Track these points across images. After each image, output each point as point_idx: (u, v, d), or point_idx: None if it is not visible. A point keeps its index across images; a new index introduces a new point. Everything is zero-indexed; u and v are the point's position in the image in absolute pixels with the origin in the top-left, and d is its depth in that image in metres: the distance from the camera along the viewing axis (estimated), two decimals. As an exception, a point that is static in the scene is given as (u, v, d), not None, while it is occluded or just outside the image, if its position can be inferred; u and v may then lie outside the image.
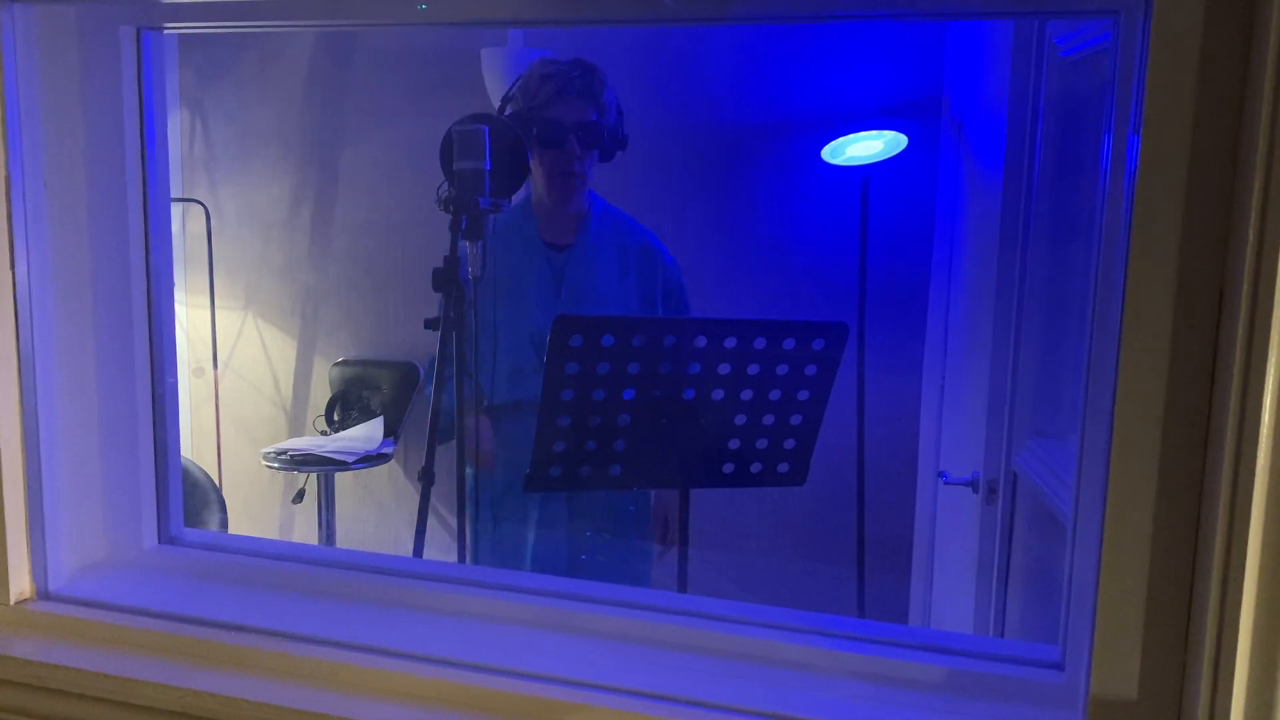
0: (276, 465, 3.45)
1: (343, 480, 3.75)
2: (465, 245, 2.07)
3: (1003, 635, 2.12)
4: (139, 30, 1.30)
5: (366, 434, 3.58)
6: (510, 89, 2.27)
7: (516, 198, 2.26)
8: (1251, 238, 0.81)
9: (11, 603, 1.27)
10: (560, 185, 2.26)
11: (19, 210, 1.22)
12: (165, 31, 1.32)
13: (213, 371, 3.89)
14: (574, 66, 2.23)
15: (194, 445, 3.92)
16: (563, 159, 2.23)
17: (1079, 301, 1.84)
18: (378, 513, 3.87)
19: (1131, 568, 0.94)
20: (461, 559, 2.26)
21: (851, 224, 3.12)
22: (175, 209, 3.77)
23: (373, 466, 3.56)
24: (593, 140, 2.22)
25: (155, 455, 1.40)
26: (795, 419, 2.05)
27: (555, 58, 2.27)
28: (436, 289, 2.11)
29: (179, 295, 3.76)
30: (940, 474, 2.71)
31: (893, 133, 2.97)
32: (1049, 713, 1.06)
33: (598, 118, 2.21)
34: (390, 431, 3.61)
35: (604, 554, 2.39)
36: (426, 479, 2.20)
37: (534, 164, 2.25)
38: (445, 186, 2.10)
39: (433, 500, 2.30)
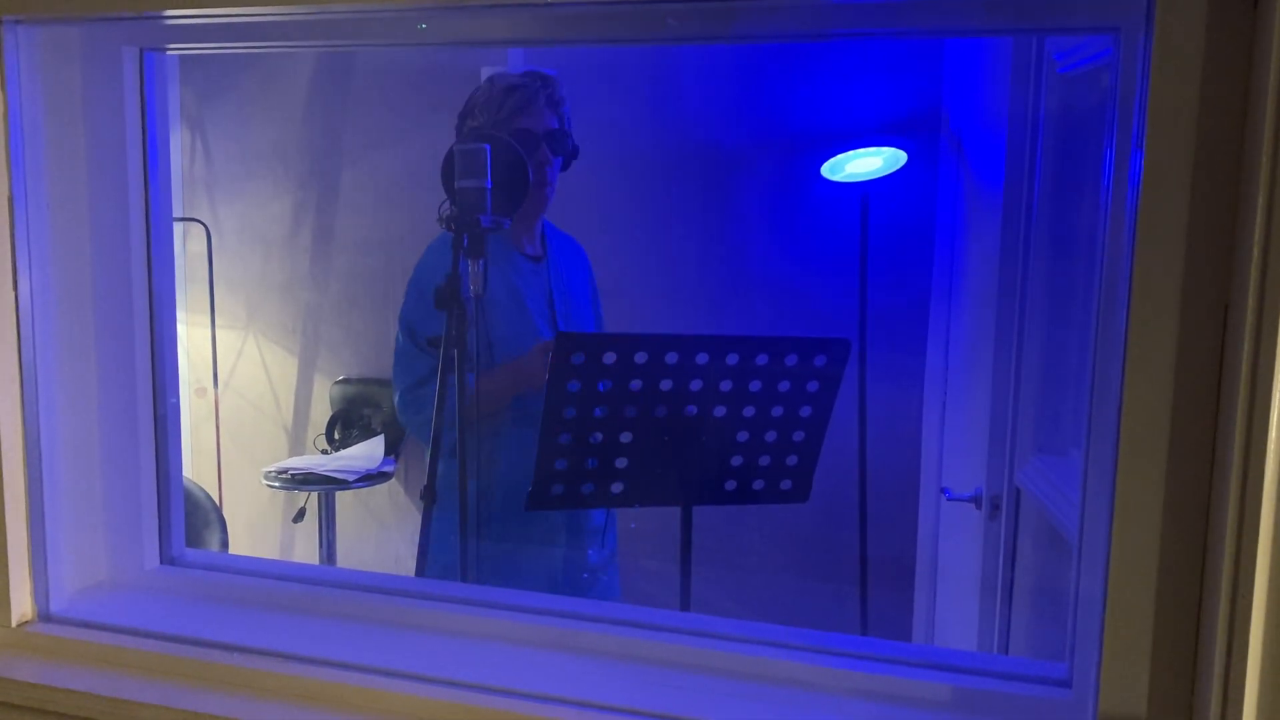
0: (277, 484, 3.44)
1: (343, 499, 3.75)
2: (467, 263, 2.07)
3: (1007, 652, 2.11)
4: (142, 51, 1.30)
5: (367, 452, 3.57)
6: (468, 107, 2.27)
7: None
8: (1256, 252, 0.81)
9: (13, 625, 1.26)
10: (538, 195, 2.26)
11: (21, 230, 1.22)
12: (168, 52, 1.33)
13: (213, 390, 3.88)
14: (533, 78, 2.24)
15: (194, 464, 3.92)
16: (538, 169, 2.24)
17: (1081, 316, 1.84)
18: (379, 532, 3.86)
19: (1139, 584, 0.93)
20: (464, 578, 2.25)
21: (852, 240, 3.12)
22: (176, 228, 3.77)
23: (373, 485, 3.55)
24: (560, 148, 2.23)
25: (157, 476, 1.39)
26: (798, 435, 2.05)
27: (507, 72, 2.28)
28: (438, 307, 2.11)
29: (179, 314, 3.76)
30: (943, 490, 2.70)
31: (892, 149, 2.98)
32: (1057, 731, 1.06)
33: (559, 126, 2.23)
34: (391, 450, 3.61)
35: (606, 572, 2.39)
36: (428, 498, 2.20)
37: None
38: (447, 204, 2.11)
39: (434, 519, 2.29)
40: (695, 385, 2.00)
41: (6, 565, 1.25)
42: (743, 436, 2.04)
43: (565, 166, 2.30)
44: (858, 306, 3.07)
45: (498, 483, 2.25)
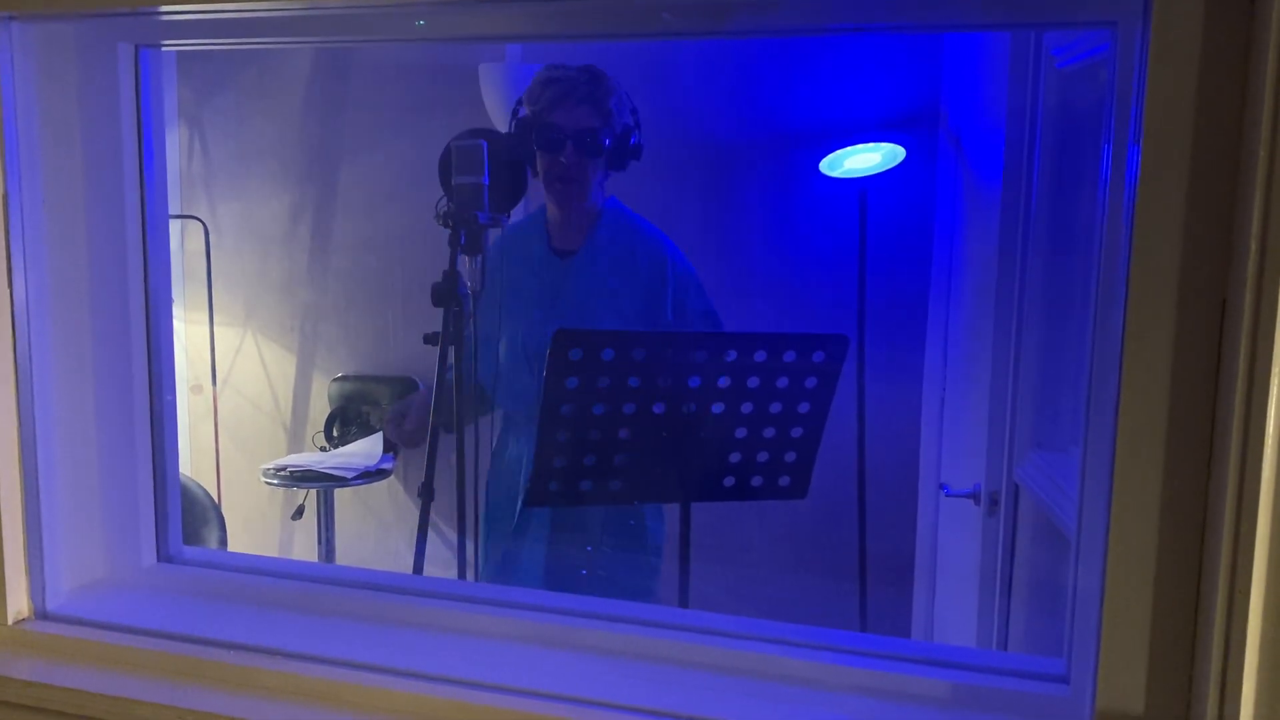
0: (276, 482, 3.44)
1: (342, 496, 3.74)
2: (464, 260, 2.07)
3: (1006, 648, 2.11)
4: (137, 48, 1.30)
5: (366, 450, 3.57)
6: (523, 95, 2.27)
7: (533, 205, 2.28)
8: (1253, 247, 0.80)
9: (10, 623, 1.26)
10: (557, 190, 2.25)
11: (17, 228, 1.22)
12: (163, 49, 1.32)
13: (211, 388, 3.88)
14: (580, 72, 2.22)
15: (193, 462, 3.92)
16: (558, 164, 2.21)
17: (1079, 312, 1.84)
18: (377, 529, 3.86)
19: (1136, 580, 0.93)
20: (462, 575, 2.25)
21: (850, 236, 3.12)
22: (174, 226, 3.77)
23: (372, 482, 3.55)
24: (591, 147, 2.19)
25: (154, 473, 1.39)
26: (796, 432, 2.05)
27: (564, 64, 2.26)
28: (436, 304, 2.11)
29: (178, 312, 3.76)
30: (942, 486, 2.70)
31: (890, 145, 2.98)
32: (1055, 727, 1.06)
33: (599, 124, 2.20)
34: (389, 447, 3.60)
35: (605, 569, 2.38)
36: (426, 495, 2.20)
37: (539, 168, 2.25)
38: (444, 201, 2.11)
39: (432, 516, 2.29)
40: (693, 382, 1.99)
41: (3, 563, 1.24)
42: (741, 433, 2.03)
43: (616, 166, 2.27)
44: (856, 302, 3.07)
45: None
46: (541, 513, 2.30)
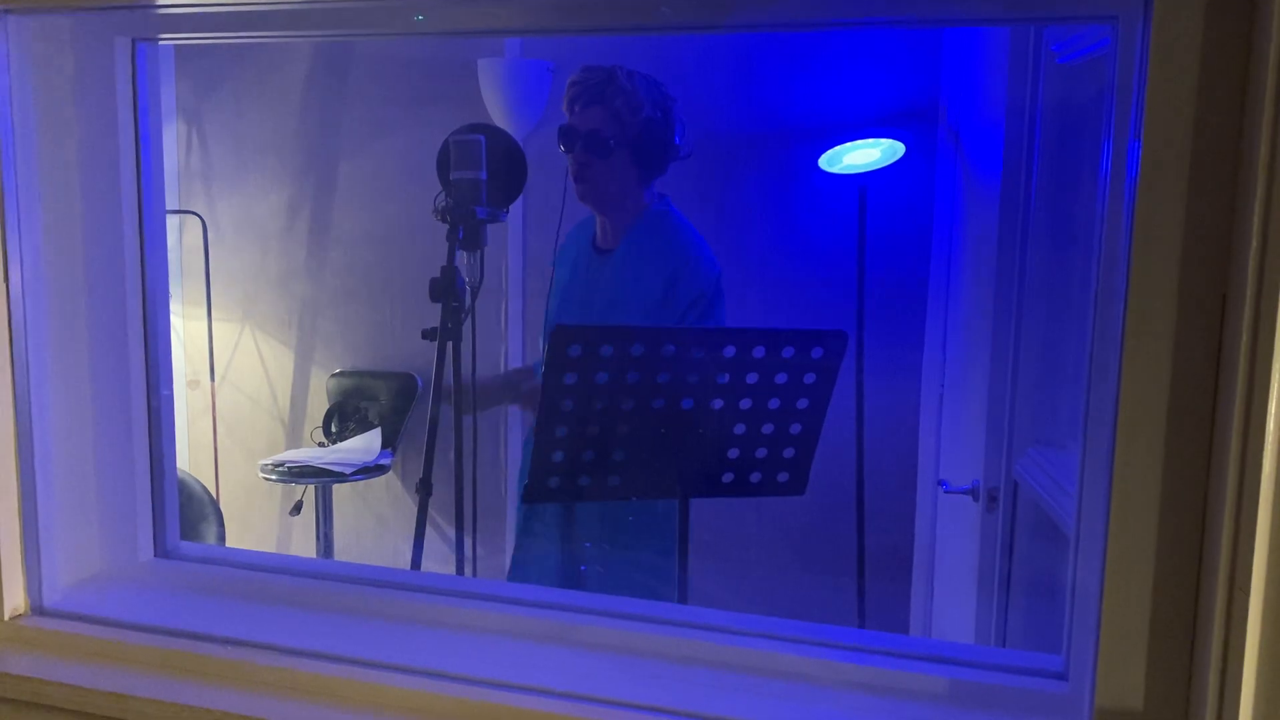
0: (274, 477, 3.44)
1: (341, 492, 3.74)
2: (462, 255, 2.07)
3: (1004, 645, 2.11)
4: (134, 41, 1.29)
5: (364, 445, 3.57)
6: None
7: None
8: (1254, 243, 0.80)
9: (6, 618, 1.26)
10: (576, 189, 2.32)
11: (13, 222, 1.21)
12: (160, 42, 1.32)
13: (209, 383, 3.88)
14: (596, 74, 2.26)
15: (191, 457, 3.92)
16: (573, 164, 2.29)
17: (1079, 308, 1.84)
18: (376, 524, 3.86)
19: (1136, 577, 0.93)
20: (460, 570, 2.25)
21: (849, 232, 3.12)
22: (172, 221, 3.77)
23: (370, 478, 3.55)
24: (598, 148, 2.24)
25: (151, 468, 1.39)
26: (794, 428, 2.05)
27: (594, 65, 2.30)
28: (434, 300, 2.11)
29: (176, 307, 3.76)
30: (940, 483, 2.70)
31: (890, 141, 2.97)
32: (1053, 723, 1.06)
33: (606, 126, 2.24)
34: (388, 442, 3.60)
35: (604, 566, 2.38)
36: (424, 490, 2.20)
37: None
38: (442, 196, 2.11)
39: (431, 511, 2.29)
40: (692, 378, 1.99)
41: None
42: (739, 429, 2.03)
43: (650, 164, 2.30)
44: (855, 298, 3.07)
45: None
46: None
